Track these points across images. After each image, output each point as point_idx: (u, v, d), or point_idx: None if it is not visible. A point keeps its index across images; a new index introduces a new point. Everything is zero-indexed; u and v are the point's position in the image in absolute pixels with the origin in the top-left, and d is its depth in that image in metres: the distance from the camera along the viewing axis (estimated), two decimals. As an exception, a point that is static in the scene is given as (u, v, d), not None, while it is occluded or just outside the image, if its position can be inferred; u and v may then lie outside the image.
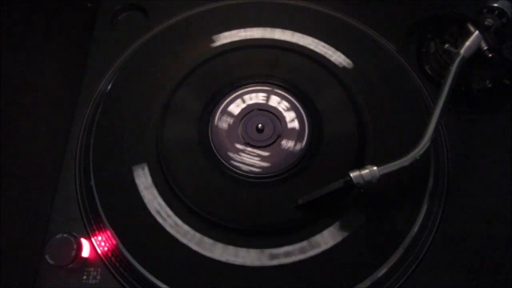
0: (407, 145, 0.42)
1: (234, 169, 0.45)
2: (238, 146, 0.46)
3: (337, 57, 0.52)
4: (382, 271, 0.42)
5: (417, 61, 0.53)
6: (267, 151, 0.46)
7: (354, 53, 0.52)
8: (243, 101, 0.48)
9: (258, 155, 0.46)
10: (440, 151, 0.48)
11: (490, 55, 0.47)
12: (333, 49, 0.52)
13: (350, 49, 0.52)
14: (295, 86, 0.49)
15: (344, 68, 0.51)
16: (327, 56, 0.52)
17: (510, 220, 0.45)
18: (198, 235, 0.43)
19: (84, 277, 0.43)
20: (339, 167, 0.44)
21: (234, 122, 0.47)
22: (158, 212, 0.44)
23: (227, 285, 0.42)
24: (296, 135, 0.47)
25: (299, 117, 0.48)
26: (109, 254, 0.44)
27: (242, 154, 0.46)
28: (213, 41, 0.53)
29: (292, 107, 0.48)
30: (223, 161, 0.46)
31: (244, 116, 0.48)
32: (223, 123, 0.47)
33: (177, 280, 0.42)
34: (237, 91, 0.49)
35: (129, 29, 0.56)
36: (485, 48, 0.47)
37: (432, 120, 0.43)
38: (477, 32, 0.47)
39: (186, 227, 0.43)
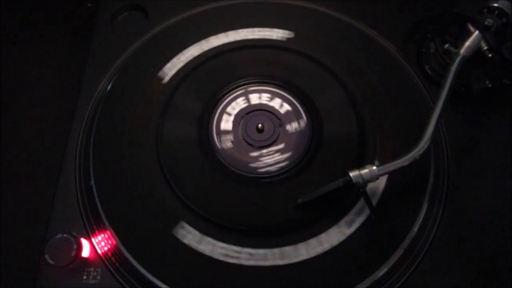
0: (407, 145, 0.42)
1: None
2: (254, 154, 0.47)
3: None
4: (382, 271, 0.42)
5: (417, 61, 0.53)
6: (280, 143, 0.46)
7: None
8: (229, 114, 0.48)
9: (277, 151, 0.46)
10: (440, 151, 0.48)
11: (490, 55, 0.47)
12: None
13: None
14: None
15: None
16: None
17: (510, 220, 0.45)
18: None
19: (84, 277, 0.43)
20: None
21: (233, 126, 0.47)
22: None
23: (227, 285, 0.42)
24: (294, 114, 0.47)
25: (284, 98, 0.48)
26: (109, 254, 0.44)
27: (262, 158, 0.46)
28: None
29: (274, 94, 0.49)
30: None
31: (239, 126, 0.48)
32: (227, 143, 0.47)
33: (177, 280, 0.42)
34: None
35: (129, 29, 0.56)
36: (485, 48, 0.47)
37: (432, 120, 0.43)
38: (477, 32, 0.47)
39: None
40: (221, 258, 0.42)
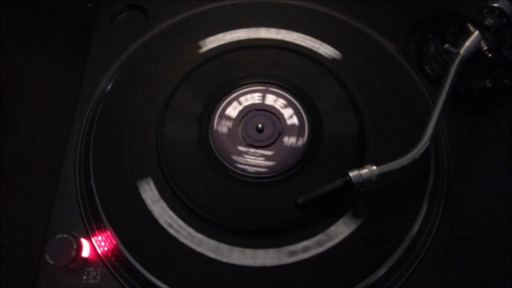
0: (407, 145, 0.42)
1: (240, 172, 0.45)
2: (241, 148, 0.47)
3: (324, 49, 0.52)
4: (382, 271, 0.42)
5: (417, 61, 0.53)
6: (270, 150, 0.46)
7: (354, 52, 0.52)
8: (240, 103, 0.48)
9: (262, 155, 0.46)
10: (440, 151, 0.48)
11: (490, 55, 0.47)
12: (319, 41, 0.53)
13: (341, 43, 0.52)
14: (291, 83, 0.49)
15: (334, 60, 0.51)
16: (314, 49, 0.52)
17: (510, 220, 0.45)
18: (200, 236, 0.43)
19: (84, 277, 0.43)
20: (339, 167, 0.44)
21: (233, 125, 0.47)
22: (159, 212, 0.44)
23: (227, 285, 0.42)
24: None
25: (297, 112, 0.48)
26: (109, 254, 0.44)
27: (246, 156, 0.46)
28: (200, 46, 0.52)
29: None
30: (227, 164, 0.46)
31: (243, 118, 0.48)
32: (223, 127, 0.47)
33: (177, 280, 0.42)
34: (232, 94, 0.49)
35: (129, 29, 0.56)
36: (485, 48, 0.47)
37: (431, 120, 0.43)
38: (477, 32, 0.47)
39: (188, 229, 0.43)
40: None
